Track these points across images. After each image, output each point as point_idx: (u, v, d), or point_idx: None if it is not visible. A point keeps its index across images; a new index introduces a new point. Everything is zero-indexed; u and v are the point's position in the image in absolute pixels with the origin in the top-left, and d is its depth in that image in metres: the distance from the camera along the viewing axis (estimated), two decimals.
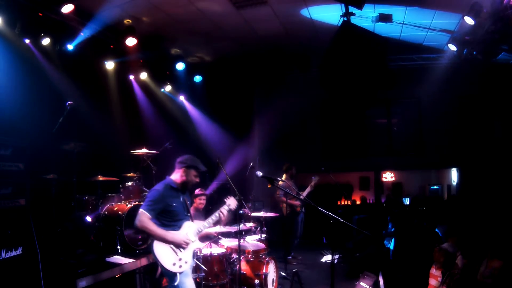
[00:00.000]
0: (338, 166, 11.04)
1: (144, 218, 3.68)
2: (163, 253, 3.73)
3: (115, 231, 6.19)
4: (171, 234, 3.79)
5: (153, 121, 9.22)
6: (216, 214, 4.14)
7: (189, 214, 4.07)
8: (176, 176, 4.03)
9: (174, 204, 3.87)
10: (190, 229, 3.96)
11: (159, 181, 7.39)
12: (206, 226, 4.09)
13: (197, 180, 4.07)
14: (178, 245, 3.80)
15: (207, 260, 5.15)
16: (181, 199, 4.00)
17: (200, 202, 6.16)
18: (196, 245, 4.02)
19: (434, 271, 4.85)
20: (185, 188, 4.07)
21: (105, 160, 7.34)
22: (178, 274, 3.75)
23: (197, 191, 6.25)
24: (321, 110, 11.75)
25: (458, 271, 4.55)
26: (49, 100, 6.50)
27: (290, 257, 8.01)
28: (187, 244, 3.85)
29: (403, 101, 11.61)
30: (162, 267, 3.73)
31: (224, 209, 4.19)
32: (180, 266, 3.78)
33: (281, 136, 10.76)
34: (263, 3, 6.96)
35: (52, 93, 6.62)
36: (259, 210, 7.08)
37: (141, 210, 3.72)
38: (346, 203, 11.52)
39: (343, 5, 6.56)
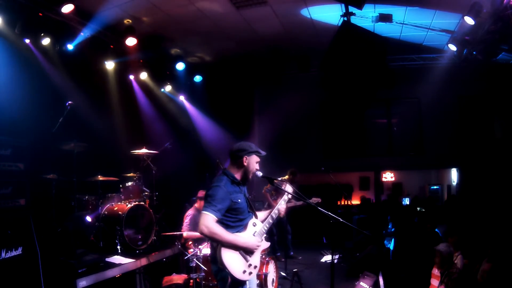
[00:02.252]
0: (338, 166, 11.04)
1: (211, 222, 3.12)
2: (232, 261, 3.22)
3: (115, 231, 6.20)
4: (242, 238, 3.30)
5: (153, 121, 9.22)
6: (276, 210, 3.61)
7: (251, 211, 3.57)
8: (235, 167, 3.47)
9: (239, 200, 3.35)
10: (256, 229, 3.47)
11: (159, 181, 7.57)
12: (270, 222, 3.57)
13: (258, 167, 3.51)
14: (250, 250, 3.32)
15: (207, 260, 5.15)
16: (244, 194, 3.50)
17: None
18: (264, 246, 3.52)
19: (435, 271, 4.87)
20: (246, 179, 3.51)
21: (105, 160, 7.34)
22: (247, 282, 3.33)
23: (200, 193, 6.22)
24: (321, 110, 11.76)
25: (457, 270, 4.55)
26: (49, 100, 6.49)
27: (292, 253, 8.09)
28: (258, 247, 3.38)
29: (403, 101, 11.62)
30: (232, 276, 3.21)
31: (282, 202, 3.66)
32: (250, 273, 3.32)
33: (281, 136, 10.76)
34: (263, 3, 6.95)
35: (52, 93, 6.61)
36: (259, 210, 7.07)
37: (204, 212, 3.16)
38: (346, 203, 11.52)
39: (343, 5, 6.57)
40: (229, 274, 3.20)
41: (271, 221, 3.57)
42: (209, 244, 5.16)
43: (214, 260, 3.29)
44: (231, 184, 3.37)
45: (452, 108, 10.85)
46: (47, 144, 6.10)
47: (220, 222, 3.22)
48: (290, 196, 3.70)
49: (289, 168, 8.03)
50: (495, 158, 10.02)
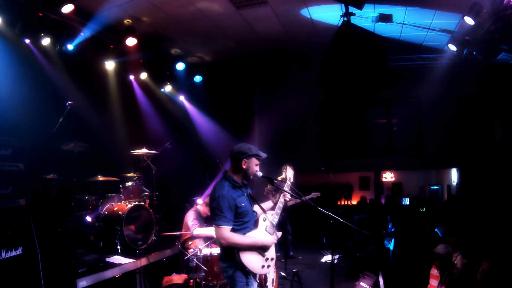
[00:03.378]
0: (338, 166, 11.04)
1: (227, 233, 3.24)
2: (251, 260, 3.33)
3: (115, 231, 6.20)
4: (259, 239, 3.40)
5: (153, 121, 9.22)
6: (281, 200, 3.65)
7: (258, 206, 3.62)
8: (235, 169, 3.49)
9: (243, 204, 3.38)
10: (267, 223, 3.53)
11: (159, 181, 7.57)
12: (278, 213, 3.62)
13: (257, 169, 3.53)
14: (268, 247, 3.44)
15: (207, 260, 5.16)
16: (246, 195, 3.52)
17: (205, 211, 6.09)
18: (278, 237, 3.60)
19: (434, 271, 4.86)
20: (247, 180, 3.55)
21: (105, 160, 7.34)
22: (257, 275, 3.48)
23: (197, 202, 6.22)
24: (321, 110, 11.76)
25: (457, 271, 4.55)
26: (49, 100, 6.49)
27: (292, 253, 8.08)
28: (274, 242, 3.51)
29: (403, 101, 11.62)
30: (252, 273, 3.36)
31: (286, 188, 3.69)
32: (268, 266, 3.48)
33: (281, 136, 10.76)
34: (263, 3, 6.95)
35: (52, 93, 6.61)
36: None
37: (218, 226, 3.24)
38: (346, 203, 11.52)
39: (343, 5, 6.56)
40: (249, 272, 3.32)
41: (279, 211, 3.62)
42: (210, 245, 5.19)
43: (224, 258, 3.38)
44: (232, 189, 3.38)
45: (452, 108, 10.85)
46: (47, 144, 6.09)
47: None
48: (292, 181, 3.79)
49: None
50: (495, 158, 10.02)
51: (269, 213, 3.63)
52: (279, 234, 3.59)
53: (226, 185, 3.38)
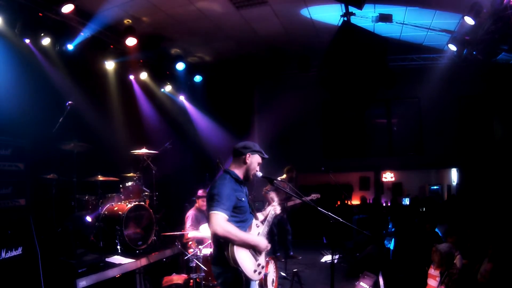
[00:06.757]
0: (338, 166, 11.04)
1: (223, 221, 3.04)
2: (245, 259, 3.15)
3: (115, 231, 6.20)
4: (253, 236, 3.30)
5: (153, 121, 9.22)
6: (272, 213, 3.64)
7: (252, 213, 3.52)
8: (237, 165, 3.43)
9: (242, 199, 3.31)
10: (259, 230, 3.46)
11: (159, 181, 7.56)
12: (270, 221, 3.58)
13: (258, 169, 3.47)
14: (259, 250, 3.30)
15: (207, 260, 5.16)
16: (246, 194, 3.45)
17: (204, 203, 6.11)
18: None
19: (432, 271, 4.86)
20: (247, 179, 3.46)
21: (105, 160, 7.33)
22: (255, 282, 3.29)
23: (200, 192, 6.24)
24: (321, 110, 11.77)
25: (457, 271, 4.55)
26: (49, 100, 6.49)
27: (292, 253, 8.08)
28: (267, 247, 3.39)
29: (403, 101, 11.62)
30: (245, 275, 3.14)
31: (275, 204, 3.71)
32: (260, 273, 3.28)
33: (281, 136, 10.76)
34: (263, 3, 6.96)
35: (52, 93, 6.61)
36: (259, 210, 7.06)
37: (214, 212, 3.04)
38: (346, 203, 11.51)
39: (343, 5, 6.56)
40: (242, 272, 3.12)
41: (268, 225, 3.58)
42: (210, 244, 5.18)
43: (217, 261, 3.24)
44: (235, 182, 3.35)
45: (452, 108, 10.85)
46: (47, 144, 6.10)
47: None
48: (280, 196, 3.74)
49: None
50: (495, 158, 10.02)
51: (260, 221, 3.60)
52: (269, 245, 3.49)
53: (228, 177, 3.33)
